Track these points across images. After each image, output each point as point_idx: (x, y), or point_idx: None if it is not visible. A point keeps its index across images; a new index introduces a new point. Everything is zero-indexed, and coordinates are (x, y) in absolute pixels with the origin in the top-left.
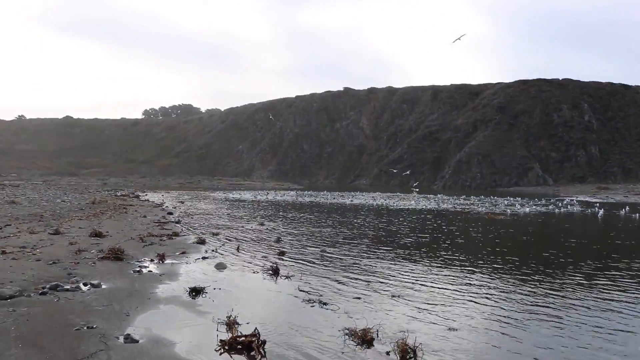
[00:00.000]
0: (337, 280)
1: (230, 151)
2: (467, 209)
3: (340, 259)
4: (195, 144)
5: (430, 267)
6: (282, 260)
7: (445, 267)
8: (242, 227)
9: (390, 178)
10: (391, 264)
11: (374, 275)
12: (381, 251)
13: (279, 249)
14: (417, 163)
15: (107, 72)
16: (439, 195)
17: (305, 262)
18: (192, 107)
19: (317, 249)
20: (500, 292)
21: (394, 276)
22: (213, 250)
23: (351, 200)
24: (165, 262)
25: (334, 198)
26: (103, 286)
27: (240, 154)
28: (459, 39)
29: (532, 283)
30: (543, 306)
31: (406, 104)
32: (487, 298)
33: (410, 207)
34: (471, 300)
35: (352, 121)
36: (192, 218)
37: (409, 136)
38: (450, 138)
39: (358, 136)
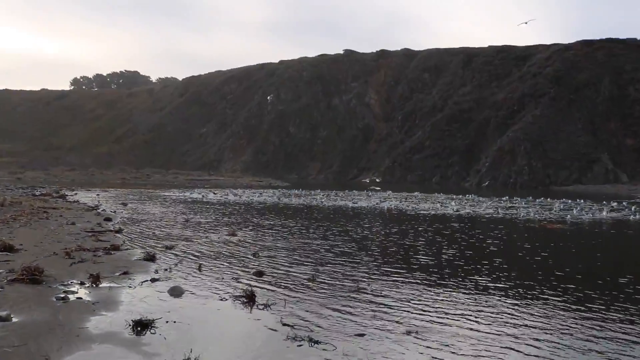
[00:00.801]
0: (333, 310)
1: (190, 135)
2: (511, 214)
3: (337, 281)
4: (143, 126)
5: (458, 295)
6: (260, 282)
7: (479, 296)
8: (207, 238)
9: (406, 172)
10: (405, 289)
11: (381, 304)
12: (392, 272)
13: (255, 268)
14: (444, 152)
15: (20, 24)
16: (471, 196)
17: (291, 286)
18: (139, 75)
19: (306, 268)
20: (559, 334)
21: (408, 306)
22: (166, 270)
23: (354, 203)
24: (100, 285)
25: (330, 200)
26: (14, 319)
27: (204, 140)
28: (525, 23)
29: (604, 323)
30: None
31: (429, 72)
32: (536, 340)
33: (433, 211)
34: (514, 343)
35: (356, 95)
36: (138, 226)
37: (433, 116)
38: (488, 118)
39: (364, 116)
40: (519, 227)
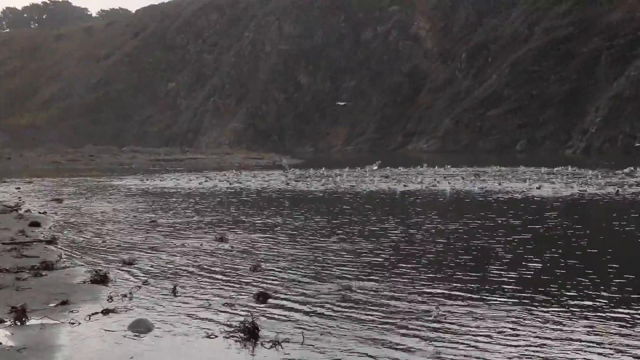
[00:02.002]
0: (375, 346)
1: (152, 95)
2: None
3: (378, 303)
4: (81, 83)
5: (567, 323)
6: (265, 309)
7: (621, 328)
8: (184, 246)
9: (476, 136)
10: (486, 316)
11: (450, 339)
12: (467, 288)
13: (257, 288)
14: (532, 105)
15: None
16: (576, 169)
17: (310, 312)
18: (71, 6)
19: (331, 285)
20: None
21: (492, 341)
22: (125, 296)
23: (404, 185)
24: (28, 323)
25: (364, 182)
26: None
27: (173, 100)
28: None
29: None
30: None
31: None
32: None
33: (519, 194)
34: None
35: (398, 24)
36: (80, 232)
37: (513, 51)
38: (598, 51)
39: (410, 54)
40: None
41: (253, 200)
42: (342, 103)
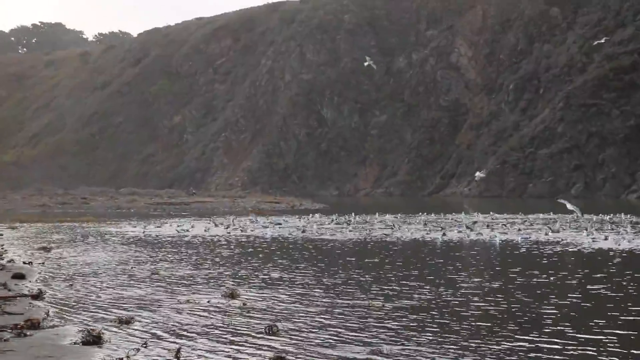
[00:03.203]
0: None
1: (154, 130)
2: None
3: None
4: (75, 115)
5: None
6: None
7: None
8: (189, 302)
9: (525, 179)
10: None
11: None
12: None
13: (273, 353)
14: (589, 143)
15: None
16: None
17: None
18: (64, 29)
19: (359, 349)
20: None
21: None
22: None
23: (442, 235)
24: None
25: (398, 230)
26: None
27: (179, 136)
28: None
29: None
30: None
31: (558, 5)
32: None
33: (576, 244)
34: None
35: (436, 51)
36: (70, 286)
37: (568, 81)
38: None
39: (449, 85)
40: None
41: (268, 250)
42: (369, 61)
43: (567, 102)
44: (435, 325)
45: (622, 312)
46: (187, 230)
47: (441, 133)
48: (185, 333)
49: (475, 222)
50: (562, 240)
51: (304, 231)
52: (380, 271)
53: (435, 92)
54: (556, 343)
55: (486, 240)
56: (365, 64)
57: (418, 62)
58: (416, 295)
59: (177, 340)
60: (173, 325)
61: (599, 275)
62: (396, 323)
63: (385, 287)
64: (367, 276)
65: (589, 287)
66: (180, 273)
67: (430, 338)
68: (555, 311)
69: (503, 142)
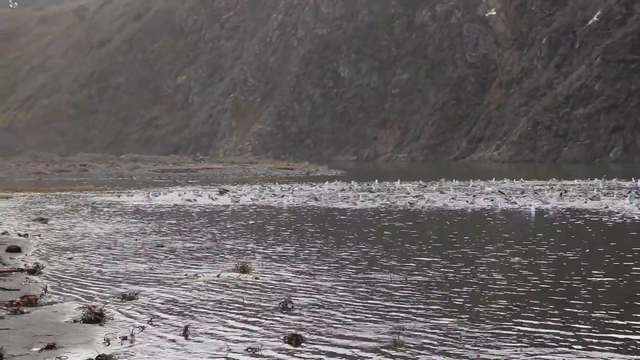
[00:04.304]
0: None
1: (157, 91)
2: None
3: (439, 350)
4: (70, 76)
5: None
6: (297, 355)
7: None
8: (197, 277)
9: (559, 142)
10: None
11: None
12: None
13: (288, 330)
14: (629, 103)
15: None
16: None
17: (356, 357)
18: None
19: (379, 327)
20: None
21: None
22: (125, 339)
23: (470, 202)
24: None
25: (421, 196)
26: None
27: (184, 97)
28: None
29: None
30: None
31: None
32: None
33: (617, 212)
34: None
35: (461, 2)
36: (69, 259)
37: (605, 35)
38: None
39: (477, 40)
40: None
41: (282, 221)
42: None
43: (604, 58)
44: (459, 302)
45: None
46: (194, 200)
47: (468, 92)
48: (193, 310)
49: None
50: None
51: (316, 199)
52: (403, 244)
53: (461, 47)
54: (585, 327)
55: (520, 208)
56: None
57: (442, 15)
58: (441, 270)
59: (185, 318)
60: (180, 301)
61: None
62: (419, 299)
63: (408, 261)
64: (388, 249)
65: (625, 263)
66: (187, 245)
67: (454, 316)
68: (588, 290)
69: (535, 101)
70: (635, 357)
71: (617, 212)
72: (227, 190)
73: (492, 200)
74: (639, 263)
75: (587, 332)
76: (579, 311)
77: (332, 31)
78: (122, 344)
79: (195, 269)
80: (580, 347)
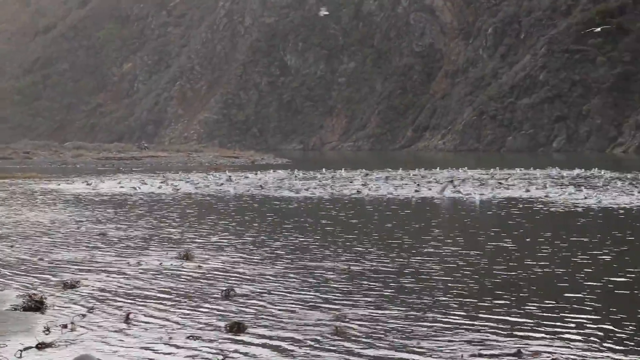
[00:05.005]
0: None
1: (102, 78)
2: None
3: (382, 337)
4: (14, 62)
5: None
6: (240, 343)
7: None
8: (140, 265)
9: (504, 131)
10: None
11: None
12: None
13: (230, 318)
14: (573, 93)
15: None
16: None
17: (295, 348)
18: None
19: (321, 315)
20: None
21: None
22: (65, 327)
23: (416, 190)
24: None
25: (366, 185)
26: None
27: (129, 85)
28: None
29: None
30: None
31: None
32: None
33: (554, 206)
34: None
35: None
36: (10, 247)
37: (551, 25)
38: None
39: (423, 29)
40: None
41: (226, 209)
42: (324, 13)
43: (549, 48)
44: (401, 289)
45: (599, 274)
46: (138, 188)
47: (414, 82)
48: (135, 297)
49: (453, 180)
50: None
51: (261, 187)
52: (346, 232)
53: (408, 36)
54: (520, 315)
55: (465, 198)
56: (321, 14)
57: (389, 4)
58: (383, 259)
59: (127, 305)
60: (122, 289)
61: (580, 235)
62: (361, 288)
63: (352, 250)
64: (332, 238)
65: (564, 253)
66: (131, 233)
67: (396, 302)
68: (523, 279)
69: (480, 91)
70: (568, 347)
71: (559, 202)
72: (170, 179)
73: (441, 191)
74: (577, 252)
75: (522, 321)
76: (515, 300)
77: (280, 19)
78: (62, 332)
79: (138, 256)
80: (517, 337)
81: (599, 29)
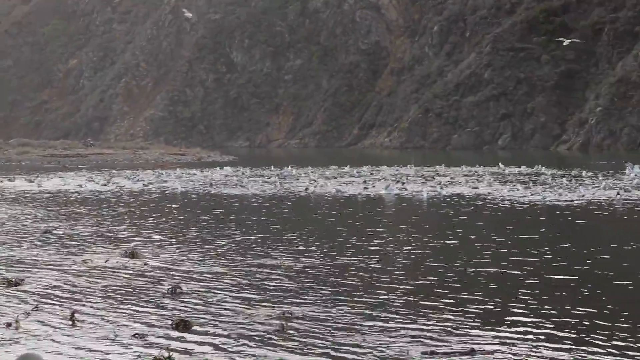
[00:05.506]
0: None
1: (47, 75)
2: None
3: (328, 335)
4: None
5: None
6: (185, 340)
7: None
8: (85, 262)
9: (449, 129)
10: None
11: None
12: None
13: (176, 315)
14: (517, 91)
15: None
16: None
17: (241, 345)
18: None
19: (267, 312)
20: None
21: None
22: (9, 325)
23: (365, 188)
24: None
25: (314, 182)
26: None
27: (75, 82)
28: None
29: None
30: None
31: None
32: None
33: (497, 202)
34: None
35: None
36: None
37: (496, 24)
38: (601, 24)
39: (369, 27)
40: None
41: (172, 207)
42: (188, 15)
43: (494, 46)
44: (347, 287)
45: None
46: (84, 185)
47: (360, 79)
48: (81, 295)
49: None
50: (490, 194)
51: (210, 185)
52: (293, 229)
53: (354, 34)
54: (472, 313)
55: (413, 195)
56: (186, 15)
57: (335, 1)
58: (330, 255)
59: (72, 303)
60: (68, 287)
61: (520, 231)
62: (307, 284)
63: (298, 247)
64: (279, 235)
65: (513, 250)
66: (76, 231)
67: (342, 300)
68: (468, 277)
69: (426, 89)
70: (518, 344)
71: (504, 199)
72: (115, 176)
73: (386, 188)
74: (523, 249)
75: (472, 319)
76: (462, 299)
77: (226, 16)
78: (6, 331)
79: (84, 254)
80: (468, 335)
81: (567, 42)
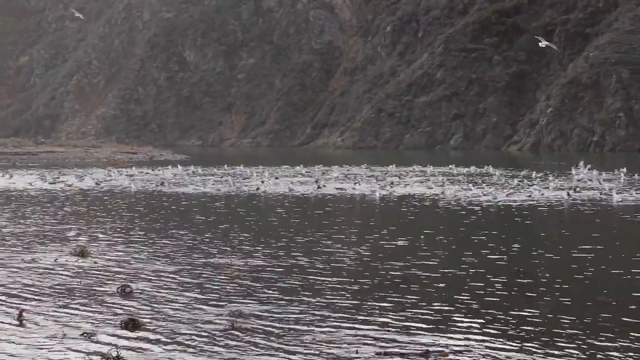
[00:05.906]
0: None
1: None
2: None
3: (278, 333)
4: None
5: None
6: (134, 339)
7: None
8: (33, 261)
9: (402, 129)
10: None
11: None
12: (376, 307)
13: (125, 314)
14: (469, 91)
15: None
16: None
17: (191, 344)
18: None
19: (217, 311)
20: None
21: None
22: None
23: (317, 187)
24: None
25: (265, 182)
26: None
27: (25, 79)
28: None
29: None
30: None
31: None
32: None
33: (452, 202)
34: None
35: None
36: None
37: (449, 24)
38: (552, 25)
39: (322, 27)
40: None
41: (123, 206)
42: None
43: (446, 47)
44: (297, 287)
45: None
46: (33, 184)
47: (313, 79)
48: (29, 295)
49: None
50: (436, 194)
51: (162, 184)
52: (243, 229)
53: (307, 33)
54: (423, 311)
55: (367, 194)
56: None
57: (289, 1)
58: (278, 256)
59: (20, 303)
60: (16, 286)
61: (466, 228)
62: (258, 283)
63: (248, 246)
64: (228, 234)
65: (465, 250)
66: (25, 230)
67: (292, 299)
68: (420, 276)
69: (379, 89)
70: (473, 345)
71: (456, 199)
72: (66, 175)
73: (339, 188)
74: (473, 249)
75: (422, 319)
76: (414, 300)
77: (179, 14)
78: None
79: (32, 253)
80: (416, 335)
81: (544, 44)
